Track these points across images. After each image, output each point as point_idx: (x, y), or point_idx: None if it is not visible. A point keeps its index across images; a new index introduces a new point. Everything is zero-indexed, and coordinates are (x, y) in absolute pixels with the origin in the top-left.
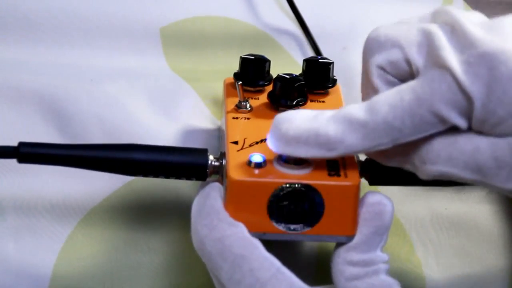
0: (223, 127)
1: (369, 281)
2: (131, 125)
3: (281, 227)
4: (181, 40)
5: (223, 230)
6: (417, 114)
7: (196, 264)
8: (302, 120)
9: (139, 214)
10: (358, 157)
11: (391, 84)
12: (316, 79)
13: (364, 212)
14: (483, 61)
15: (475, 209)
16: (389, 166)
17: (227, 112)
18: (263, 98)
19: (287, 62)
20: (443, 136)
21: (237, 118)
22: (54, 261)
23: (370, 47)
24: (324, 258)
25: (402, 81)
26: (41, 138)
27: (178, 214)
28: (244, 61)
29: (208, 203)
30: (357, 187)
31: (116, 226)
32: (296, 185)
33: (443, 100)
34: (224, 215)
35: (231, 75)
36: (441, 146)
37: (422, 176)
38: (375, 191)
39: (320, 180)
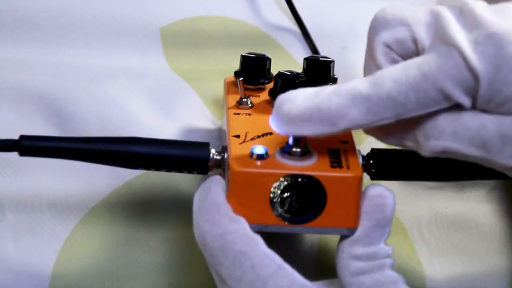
0: (224, 126)
1: (374, 276)
2: (131, 125)
3: (283, 219)
4: (181, 40)
5: (225, 226)
6: (421, 90)
7: (196, 263)
8: (304, 97)
9: (139, 213)
10: (360, 151)
11: (396, 63)
12: (316, 78)
13: (366, 205)
14: (491, 41)
15: (475, 208)
16: (389, 143)
17: (229, 108)
18: (263, 96)
19: (287, 62)
20: (448, 111)
21: (238, 113)
22: (54, 260)
23: (377, 25)
24: (324, 254)
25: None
26: None
27: (178, 213)
28: (244, 59)
29: (209, 198)
30: (360, 179)
31: (116, 225)
32: (298, 177)
33: (449, 77)
34: (226, 210)
35: (231, 75)
36: (446, 121)
37: (425, 153)
38: (376, 183)
39: (323, 172)
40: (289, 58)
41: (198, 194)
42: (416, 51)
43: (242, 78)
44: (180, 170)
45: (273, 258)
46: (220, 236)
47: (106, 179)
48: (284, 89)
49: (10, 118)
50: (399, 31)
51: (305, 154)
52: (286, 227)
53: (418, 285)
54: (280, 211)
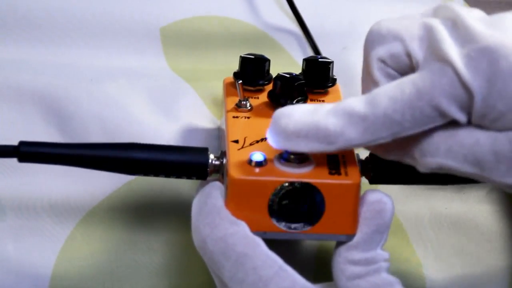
0: (223, 126)
1: (370, 280)
2: (131, 125)
3: (281, 226)
4: (181, 40)
5: (225, 229)
6: (417, 108)
7: (196, 264)
8: (301, 114)
9: (139, 214)
10: (358, 156)
11: (392, 77)
12: (316, 79)
13: (365, 211)
14: (484, 55)
15: (475, 208)
16: (388, 159)
17: (227, 111)
18: (263, 97)
19: (287, 62)
20: (443, 129)
21: (237, 117)
22: (54, 261)
23: (372, 40)
24: (323, 257)
25: (402, 75)
26: (41, 137)
27: (178, 214)
28: (244, 61)
29: (210, 202)
30: (358, 186)
31: (116, 226)
32: (297, 184)
33: (444, 94)
34: (226, 213)
35: (231, 75)
36: (441, 139)
37: (421, 168)
38: (374, 189)
39: (321, 179)
40: (288, 58)
41: (198, 199)
42: (411, 65)
43: (241, 81)
44: (179, 176)
45: (275, 259)
46: (221, 239)
47: (106, 180)
48: (283, 91)
49: (10, 118)
50: (393, 46)
51: (303, 160)
52: (285, 234)
53: (418, 285)
54: (278, 218)
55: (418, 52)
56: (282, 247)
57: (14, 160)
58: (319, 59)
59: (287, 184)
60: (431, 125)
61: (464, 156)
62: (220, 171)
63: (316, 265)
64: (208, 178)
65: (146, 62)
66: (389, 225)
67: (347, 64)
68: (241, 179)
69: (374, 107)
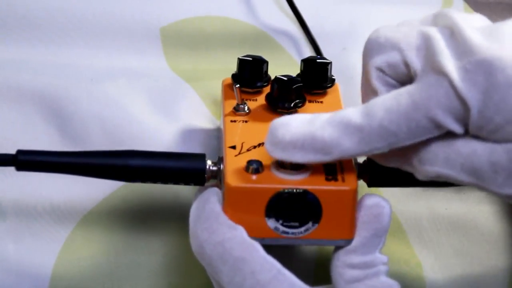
0: (222, 125)
1: (369, 283)
2: (131, 125)
3: (279, 232)
4: (181, 40)
5: (223, 234)
6: (413, 119)
7: (195, 265)
8: (298, 124)
9: (138, 215)
10: (356, 159)
11: (390, 86)
12: (314, 79)
13: (363, 215)
14: (480, 68)
15: (475, 209)
16: (388, 166)
17: (225, 115)
18: (261, 99)
19: (287, 62)
20: (441, 138)
21: (235, 121)
22: (54, 261)
23: (370, 49)
24: (322, 260)
25: (401, 83)
26: (41, 138)
27: (177, 214)
28: (241, 62)
29: (207, 208)
30: (355, 192)
31: (116, 226)
32: (294, 190)
33: (440, 106)
34: (224, 218)
35: (231, 75)
36: (439, 148)
37: (420, 176)
38: (372, 193)
39: (318, 185)
40: (288, 58)
41: (196, 205)
42: (409, 74)
43: (238, 85)
44: (176, 182)
45: (273, 263)
46: (219, 243)
47: (105, 181)
48: (281, 94)
49: (10, 118)
50: (391, 55)
51: (300, 167)
52: (282, 240)
53: (418, 286)
54: (275, 224)
55: (415, 61)
56: (282, 251)
57: None
58: (317, 60)
59: (284, 190)
60: (427, 136)
61: (461, 166)
62: (217, 177)
63: (316, 269)
64: (206, 184)
65: (146, 62)
66: (387, 229)
67: (347, 65)
68: (238, 186)
69: (370, 118)
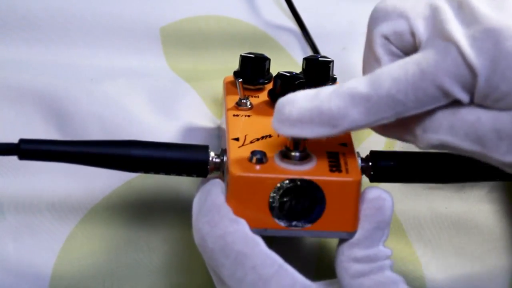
0: (223, 125)
1: (374, 278)
2: (131, 124)
3: (282, 223)
4: (181, 40)
5: (225, 227)
6: (420, 88)
7: (196, 263)
8: (304, 99)
9: (139, 213)
10: (359, 154)
11: (394, 55)
12: (316, 78)
13: (365, 208)
14: (488, 36)
15: (475, 208)
16: (389, 137)
17: (228, 110)
18: (263, 96)
19: (287, 62)
20: (446, 106)
21: (237, 115)
22: (54, 260)
23: (376, 16)
24: (325, 255)
25: (405, 53)
26: (41, 137)
27: (178, 213)
28: (244, 60)
29: (210, 200)
30: (359, 183)
31: (116, 225)
32: (297, 181)
33: (447, 73)
34: (226, 211)
35: (231, 75)
36: (443, 115)
37: (422, 146)
38: (374, 186)
39: (322, 176)
40: (288, 58)
41: (198, 197)
42: (414, 44)
43: (241, 80)
44: (179, 173)
45: (274, 258)
46: (220, 237)
47: (106, 179)
48: (283, 90)
49: (10, 118)
50: (398, 23)
51: (304, 158)
52: (285, 231)
53: (418, 285)
54: (279, 215)
55: (422, 31)
56: (285, 247)
57: (15, 159)
58: (319, 58)
59: (287, 181)
60: (435, 105)
61: (465, 133)
62: (220, 169)
63: (318, 264)
64: (209, 176)
65: (146, 62)
66: (390, 222)
67: (347, 65)
68: (241, 176)
69: (378, 87)
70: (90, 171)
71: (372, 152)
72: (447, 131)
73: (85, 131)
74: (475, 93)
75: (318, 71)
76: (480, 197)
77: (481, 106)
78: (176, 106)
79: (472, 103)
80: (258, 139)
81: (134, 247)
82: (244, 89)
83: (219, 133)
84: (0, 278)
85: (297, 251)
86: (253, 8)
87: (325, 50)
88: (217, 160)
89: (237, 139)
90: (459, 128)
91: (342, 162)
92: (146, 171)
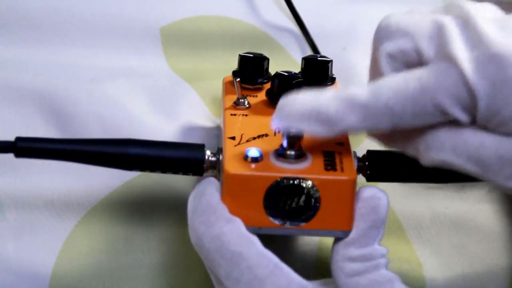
0: (222, 124)
1: (370, 277)
2: (131, 124)
3: (277, 222)
4: (181, 40)
5: (220, 227)
6: (419, 103)
7: (195, 263)
8: (304, 99)
9: (139, 213)
10: (355, 153)
11: (399, 71)
12: (314, 77)
13: (360, 207)
14: (492, 61)
15: (475, 208)
16: (393, 148)
17: (225, 109)
18: (261, 95)
19: (287, 62)
20: (449, 125)
21: (235, 114)
22: (54, 260)
23: (381, 34)
24: (324, 255)
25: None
26: None
27: (177, 213)
28: (242, 59)
29: (204, 200)
30: (354, 182)
31: (116, 225)
32: (293, 180)
33: (447, 94)
34: (221, 211)
35: (231, 74)
36: (447, 135)
37: (424, 162)
38: (369, 185)
39: (317, 175)
40: (288, 58)
41: (193, 196)
42: (419, 62)
43: (239, 79)
44: (175, 171)
45: (270, 258)
46: (216, 237)
47: (105, 179)
48: (281, 90)
49: (10, 118)
50: (403, 42)
51: (299, 156)
52: (280, 230)
53: (418, 285)
54: (274, 213)
55: (427, 49)
56: (284, 243)
57: (14, 159)
58: (318, 58)
59: (283, 179)
60: (432, 121)
61: (468, 156)
62: (216, 167)
63: (317, 264)
64: (205, 174)
65: (146, 62)
66: (385, 221)
67: (347, 65)
68: (236, 174)
69: (377, 97)
70: (90, 171)
71: (369, 152)
72: (450, 151)
73: (85, 131)
74: (477, 115)
75: (316, 71)
76: (480, 197)
77: (484, 128)
78: (176, 106)
79: (475, 124)
80: (254, 138)
81: (134, 246)
82: (243, 88)
83: (218, 132)
84: (0, 278)
85: (296, 251)
86: (253, 8)
87: (325, 50)
88: (213, 158)
89: (233, 138)
90: (462, 150)
91: (337, 161)
92: (143, 169)
